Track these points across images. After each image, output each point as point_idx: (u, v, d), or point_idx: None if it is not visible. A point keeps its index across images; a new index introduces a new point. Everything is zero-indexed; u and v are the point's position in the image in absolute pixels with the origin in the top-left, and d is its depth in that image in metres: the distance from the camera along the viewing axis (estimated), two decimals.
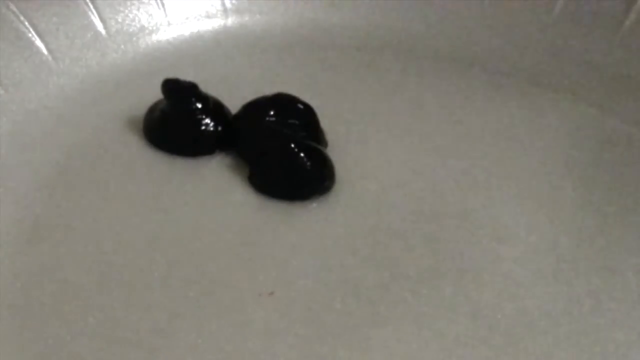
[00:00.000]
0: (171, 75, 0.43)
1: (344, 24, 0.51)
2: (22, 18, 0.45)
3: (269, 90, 0.44)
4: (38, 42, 0.45)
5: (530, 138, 0.45)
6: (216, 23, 0.50)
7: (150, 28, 0.49)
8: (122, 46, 0.48)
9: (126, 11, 0.48)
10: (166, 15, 0.49)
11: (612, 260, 0.39)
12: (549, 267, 0.38)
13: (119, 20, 0.48)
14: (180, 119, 0.42)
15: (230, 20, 0.51)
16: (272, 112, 0.42)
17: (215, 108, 0.43)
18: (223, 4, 0.51)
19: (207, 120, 0.42)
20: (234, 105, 0.43)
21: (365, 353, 0.34)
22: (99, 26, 0.47)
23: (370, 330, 0.35)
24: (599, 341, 0.35)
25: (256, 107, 0.43)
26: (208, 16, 0.50)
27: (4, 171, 0.41)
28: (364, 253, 0.38)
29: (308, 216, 0.40)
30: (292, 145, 0.40)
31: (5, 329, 0.34)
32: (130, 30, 0.48)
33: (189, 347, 0.34)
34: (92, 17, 0.47)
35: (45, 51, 0.45)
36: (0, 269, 0.37)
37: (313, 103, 0.43)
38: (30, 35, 0.45)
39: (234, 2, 0.51)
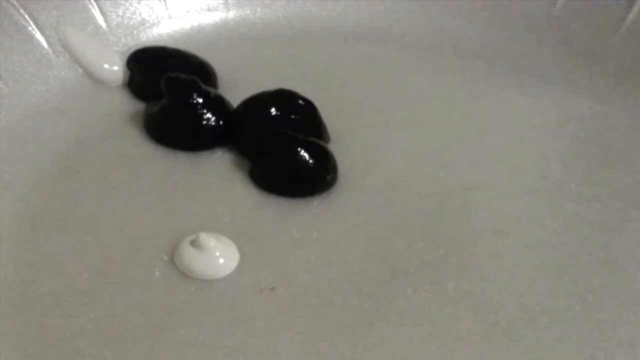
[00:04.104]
0: None
1: (346, 17, 0.50)
2: (22, 11, 0.45)
3: (270, 83, 0.44)
4: (38, 36, 0.45)
5: (533, 132, 0.45)
6: (217, 16, 0.50)
7: (151, 21, 0.48)
8: (123, 39, 0.47)
9: (127, 4, 0.48)
10: (167, 9, 0.49)
11: (615, 255, 0.39)
12: (551, 262, 0.38)
13: (120, 13, 0.48)
14: (180, 114, 0.42)
15: (232, 13, 0.50)
16: (273, 108, 0.42)
17: (216, 102, 0.42)
18: None
19: (208, 115, 0.42)
20: (234, 99, 0.43)
21: (366, 348, 0.34)
22: (100, 19, 0.47)
23: (372, 325, 0.35)
24: (602, 337, 0.35)
25: (257, 103, 0.43)
26: (209, 9, 0.50)
27: (4, 165, 0.41)
28: (366, 248, 0.38)
29: (309, 211, 0.40)
30: (294, 142, 0.40)
31: (5, 325, 0.34)
32: (131, 23, 0.48)
33: (190, 343, 0.34)
34: (93, 10, 0.47)
35: (45, 45, 0.45)
36: (0, 263, 0.36)
37: (315, 96, 0.43)
38: (30, 28, 0.45)
39: None
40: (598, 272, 0.38)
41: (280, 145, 0.41)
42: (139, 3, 0.48)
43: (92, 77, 0.45)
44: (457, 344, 0.35)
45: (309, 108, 0.43)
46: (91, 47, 0.46)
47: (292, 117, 0.42)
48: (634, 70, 0.47)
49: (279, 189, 0.40)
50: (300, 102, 0.42)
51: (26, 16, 0.45)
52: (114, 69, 0.45)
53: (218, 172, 0.41)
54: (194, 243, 0.36)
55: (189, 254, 0.36)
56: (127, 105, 0.45)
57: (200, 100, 0.42)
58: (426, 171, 0.42)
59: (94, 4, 0.47)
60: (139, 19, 0.48)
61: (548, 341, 0.35)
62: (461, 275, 0.37)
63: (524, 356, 0.34)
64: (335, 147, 0.42)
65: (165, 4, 0.49)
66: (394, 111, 0.46)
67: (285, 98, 0.43)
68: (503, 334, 0.35)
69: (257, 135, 0.42)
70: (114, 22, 0.47)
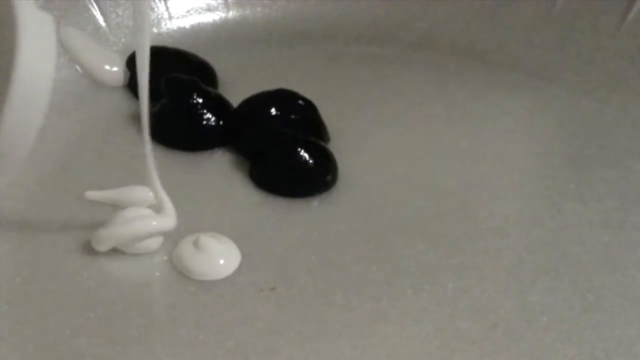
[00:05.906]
0: None
1: (346, 18, 0.51)
2: None
3: (270, 83, 0.44)
4: None
5: (532, 132, 0.45)
6: (217, 16, 0.50)
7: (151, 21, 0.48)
8: (123, 39, 0.47)
9: (127, 4, 0.48)
10: (167, 9, 0.49)
11: (615, 255, 0.39)
12: (551, 262, 0.38)
13: (120, 13, 0.48)
14: (180, 114, 0.42)
15: (232, 14, 0.50)
16: (273, 108, 0.42)
17: (216, 102, 0.43)
18: None
19: (208, 115, 0.42)
20: (234, 99, 0.43)
21: (366, 349, 0.34)
22: (100, 19, 0.47)
23: (372, 326, 0.35)
24: (602, 337, 0.35)
25: (257, 102, 0.43)
26: (209, 9, 0.50)
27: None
28: (366, 248, 0.38)
29: (309, 211, 0.40)
30: (294, 142, 0.40)
31: (5, 324, 0.34)
32: (131, 23, 0.48)
33: (190, 343, 0.34)
34: (93, 10, 0.47)
35: None
36: (1, 263, 0.36)
37: (315, 97, 0.43)
38: None
39: None
40: (598, 272, 0.38)
41: (280, 145, 0.41)
42: None
43: (92, 78, 0.45)
44: (457, 344, 0.35)
45: (309, 108, 0.43)
46: (91, 48, 0.46)
47: (292, 117, 0.42)
48: (634, 70, 0.47)
49: (279, 189, 0.40)
50: (300, 102, 0.42)
51: None
52: (114, 69, 0.45)
53: (218, 172, 0.41)
54: (194, 243, 0.36)
55: (188, 255, 0.36)
56: (127, 105, 0.44)
57: (200, 100, 0.42)
58: (426, 171, 0.42)
59: (94, 4, 0.47)
60: None
61: (548, 341, 0.35)
62: (461, 276, 0.37)
63: (524, 356, 0.34)
64: (335, 147, 0.42)
65: (165, 4, 0.49)
66: (394, 111, 0.46)
67: (285, 98, 0.43)
68: (503, 334, 0.35)
69: (257, 135, 0.42)
70: (114, 22, 0.47)
